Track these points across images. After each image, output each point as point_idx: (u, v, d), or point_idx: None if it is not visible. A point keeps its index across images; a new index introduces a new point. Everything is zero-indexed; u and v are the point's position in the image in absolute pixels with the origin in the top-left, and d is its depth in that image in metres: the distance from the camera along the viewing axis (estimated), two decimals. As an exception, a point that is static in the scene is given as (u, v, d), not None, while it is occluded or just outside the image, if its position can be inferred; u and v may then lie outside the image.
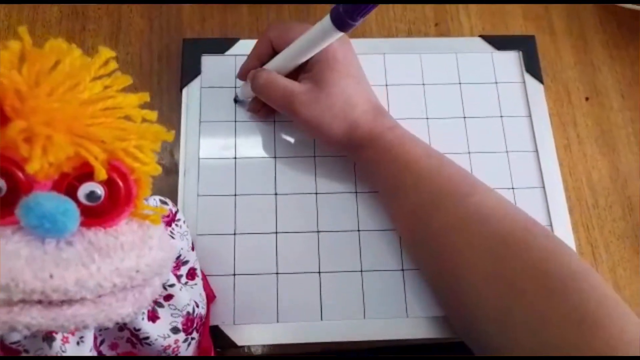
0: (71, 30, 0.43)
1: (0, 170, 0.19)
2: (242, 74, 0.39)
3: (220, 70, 0.41)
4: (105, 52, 0.21)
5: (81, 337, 0.25)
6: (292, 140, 0.40)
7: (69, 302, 0.19)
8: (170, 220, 0.31)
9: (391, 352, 0.38)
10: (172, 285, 0.28)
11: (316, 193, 0.39)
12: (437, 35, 0.45)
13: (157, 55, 0.43)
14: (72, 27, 0.43)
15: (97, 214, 0.21)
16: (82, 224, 0.20)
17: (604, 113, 0.44)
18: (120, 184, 0.21)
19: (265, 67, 0.37)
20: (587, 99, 0.44)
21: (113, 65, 0.21)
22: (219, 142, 0.40)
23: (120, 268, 0.20)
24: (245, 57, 0.38)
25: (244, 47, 0.42)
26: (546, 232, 0.31)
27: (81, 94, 0.20)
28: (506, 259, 0.29)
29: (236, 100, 0.41)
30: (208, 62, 0.42)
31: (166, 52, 0.43)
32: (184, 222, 0.32)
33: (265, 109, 0.40)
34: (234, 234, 0.37)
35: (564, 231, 0.39)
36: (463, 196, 0.32)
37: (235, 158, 0.39)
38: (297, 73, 0.36)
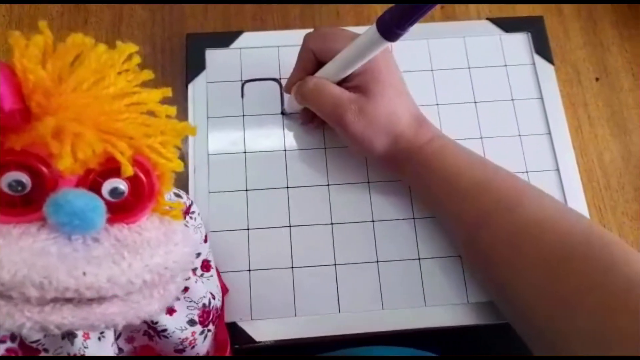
0: (73, 23, 0.42)
1: (26, 167, 0.19)
2: (289, 87, 0.37)
3: (225, 64, 0.41)
4: (129, 47, 0.20)
5: (102, 332, 0.24)
6: (301, 132, 0.40)
7: (99, 300, 0.19)
8: (184, 212, 0.30)
9: (407, 339, 0.38)
10: (187, 279, 0.28)
11: (328, 185, 0.38)
12: (443, 19, 0.44)
13: (160, 48, 0.42)
14: (74, 20, 0.43)
15: (120, 210, 0.21)
16: (107, 220, 0.20)
17: (615, 93, 0.43)
18: (144, 179, 0.21)
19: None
20: (597, 79, 0.44)
21: (137, 60, 0.21)
22: (228, 137, 0.39)
23: (150, 264, 0.20)
24: (250, 50, 0.37)
25: (249, 39, 0.41)
26: (606, 240, 0.29)
27: (106, 90, 0.20)
28: (562, 276, 0.28)
29: (283, 113, 0.40)
30: (212, 56, 0.41)
31: (169, 44, 0.42)
32: (199, 214, 0.31)
33: (317, 119, 0.38)
34: (247, 229, 0.37)
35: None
36: (511, 209, 0.31)
37: (244, 153, 0.39)
38: (338, 84, 0.35)
